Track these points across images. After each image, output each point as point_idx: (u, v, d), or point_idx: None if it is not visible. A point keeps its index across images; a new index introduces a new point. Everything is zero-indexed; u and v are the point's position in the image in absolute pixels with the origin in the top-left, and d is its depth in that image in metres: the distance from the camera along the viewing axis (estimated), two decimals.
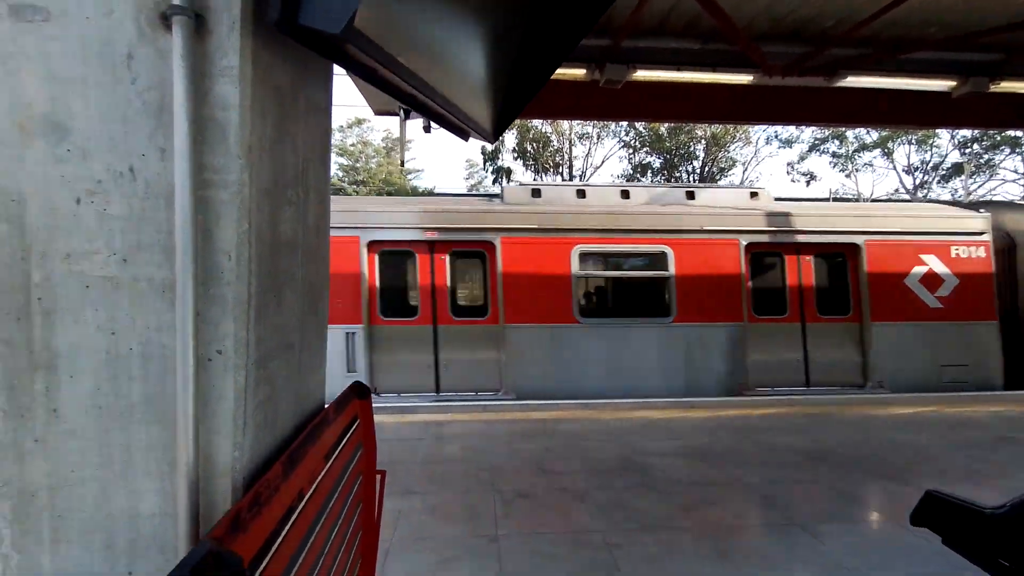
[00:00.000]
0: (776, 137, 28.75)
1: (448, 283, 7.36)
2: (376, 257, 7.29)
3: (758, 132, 28.25)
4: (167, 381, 1.28)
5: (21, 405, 1.25)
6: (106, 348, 1.27)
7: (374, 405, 6.71)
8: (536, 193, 7.84)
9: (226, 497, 1.30)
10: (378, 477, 2.26)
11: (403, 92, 1.74)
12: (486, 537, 3.33)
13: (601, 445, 5.09)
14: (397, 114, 5.16)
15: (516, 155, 26.43)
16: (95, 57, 1.25)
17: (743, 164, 29.10)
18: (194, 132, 1.24)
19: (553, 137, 26.87)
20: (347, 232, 7.01)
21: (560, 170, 27.74)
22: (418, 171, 31.95)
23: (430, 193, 24.67)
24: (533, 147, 26.59)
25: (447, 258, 7.39)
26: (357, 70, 1.51)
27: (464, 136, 2.36)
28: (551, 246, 7.39)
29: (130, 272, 1.28)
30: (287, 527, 1.37)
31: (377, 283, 7.27)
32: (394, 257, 7.40)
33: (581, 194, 7.89)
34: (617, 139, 28.26)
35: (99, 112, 1.26)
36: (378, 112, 5.88)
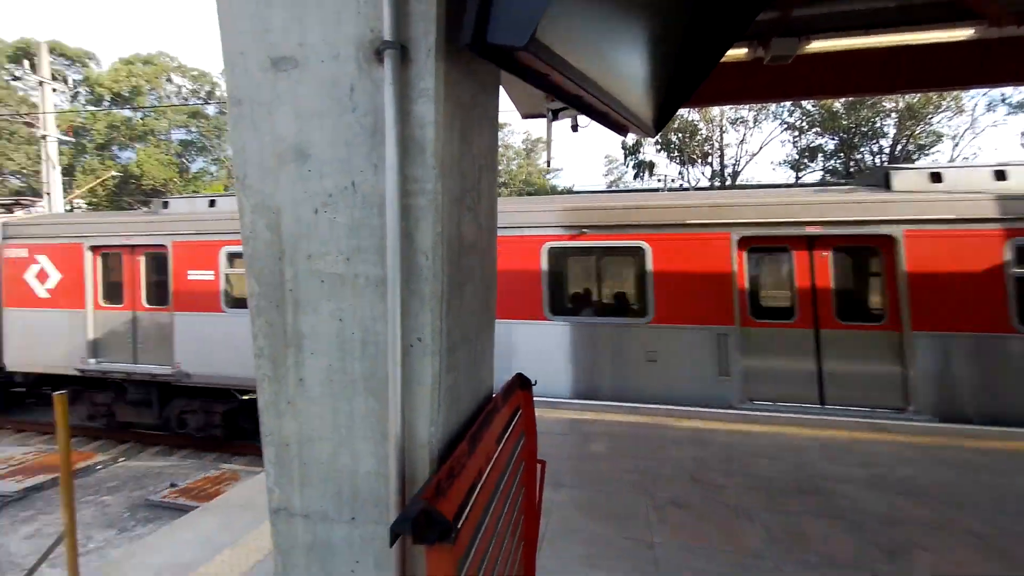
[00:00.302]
0: (1003, 101, 22.85)
1: (831, 282, 6.52)
2: (746, 254, 6.73)
3: (974, 97, 22.79)
4: (379, 362, 1.51)
5: (279, 374, 1.59)
6: (336, 332, 1.54)
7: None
8: (936, 178, 6.83)
9: (424, 465, 1.49)
10: (538, 466, 2.37)
11: (569, 93, 1.80)
12: (640, 542, 3.25)
13: (769, 462, 4.61)
14: (545, 116, 5.31)
15: (660, 147, 25.20)
16: (327, 93, 1.53)
17: (952, 138, 23.73)
18: (400, 148, 1.44)
19: (701, 125, 25.00)
20: (717, 229, 6.60)
21: (709, 160, 25.73)
22: (557, 170, 32.43)
23: (568, 191, 24.88)
24: (679, 138, 25.11)
25: (829, 255, 6.58)
26: (531, 77, 1.61)
27: (623, 132, 2.34)
28: (975, 240, 6.13)
29: (352, 270, 1.53)
30: (472, 499, 1.52)
31: (747, 282, 6.67)
32: (767, 254, 6.80)
33: (1000, 176, 6.62)
34: (779, 121, 25.23)
35: (331, 138, 1.53)
36: (525, 116, 6.10)
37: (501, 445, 1.95)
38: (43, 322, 8.80)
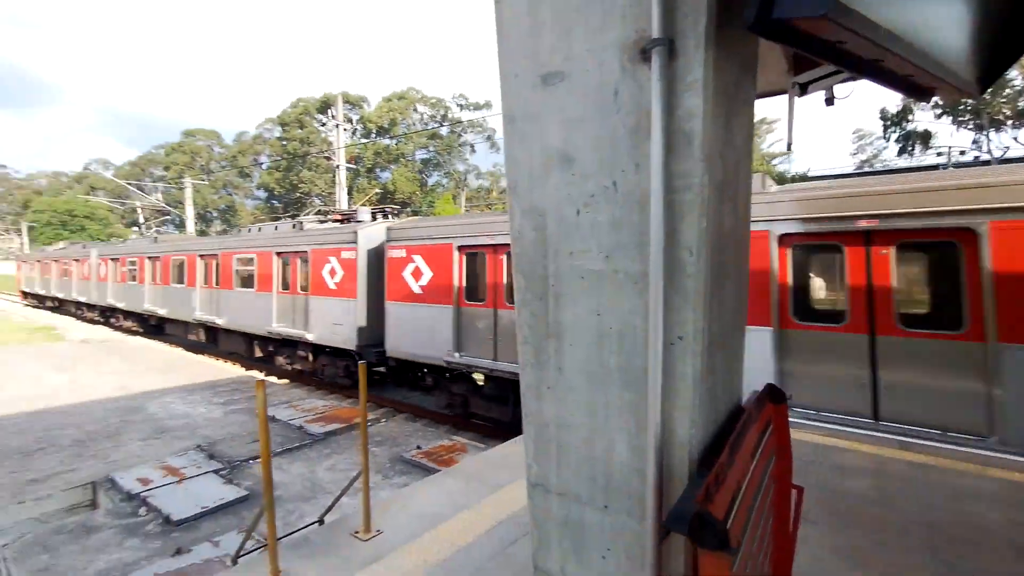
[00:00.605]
0: None
1: None
2: None
3: None
4: (636, 357, 1.53)
5: (541, 361, 1.75)
6: (594, 326, 1.62)
7: None
8: None
9: (683, 465, 1.45)
10: (794, 492, 2.09)
11: (863, 60, 1.52)
12: None
13: None
14: (787, 92, 4.64)
15: (942, 111, 19.44)
16: (592, 99, 1.61)
17: None
18: (666, 144, 1.43)
19: (1015, 72, 18.33)
20: None
21: None
22: (783, 155, 28.24)
23: (803, 178, 21.35)
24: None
25: None
26: (816, 47, 1.41)
27: (926, 96, 1.88)
28: None
29: (612, 266, 1.58)
30: (733, 511, 1.42)
31: None
32: None
33: None
34: None
35: (594, 142, 1.61)
36: (761, 95, 5.41)
37: (755, 461, 1.78)
38: (416, 315, 9.51)
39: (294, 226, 13.02)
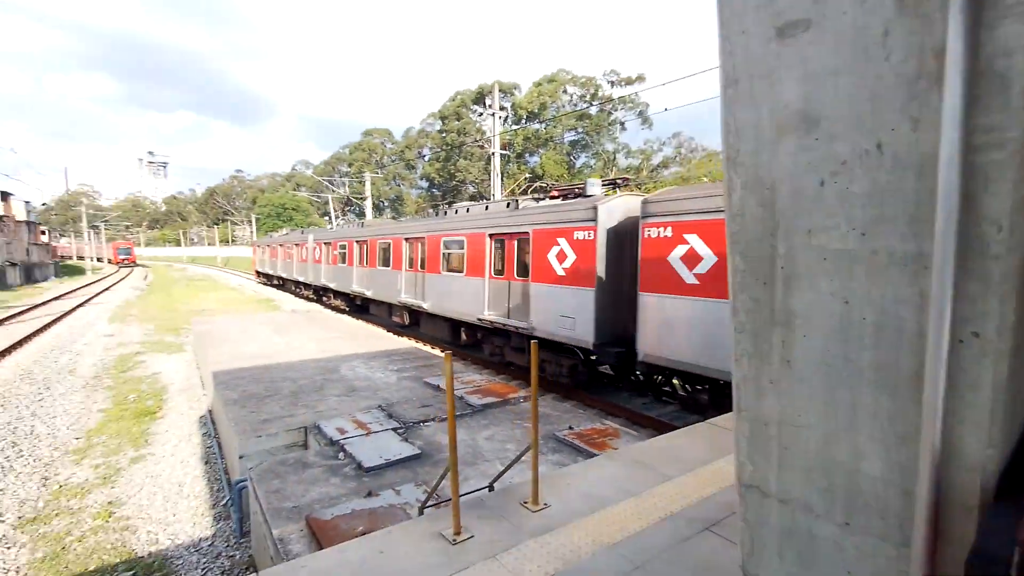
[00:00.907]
0: None
1: None
2: None
3: None
4: (901, 353, 1.28)
5: (761, 351, 1.58)
6: (838, 315, 1.39)
7: None
8: None
9: (970, 492, 1.18)
10: None
11: None
12: None
13: None
14: None
15: None
16: (847, 47, 1.35)
17: None
18: (967, 91, 1.14)
19: None
20: None
21: None
22: None
23: None
24: None
25: None
26: None
27: None
28: None
29: (868, 245, 1.34)
30: None
31: None
32: None
33: None
34: None
35: (848, 97, 1.36)
36: None
37: None
38: (689, 313, 7.29)
39: (508, 205, 11.60)
